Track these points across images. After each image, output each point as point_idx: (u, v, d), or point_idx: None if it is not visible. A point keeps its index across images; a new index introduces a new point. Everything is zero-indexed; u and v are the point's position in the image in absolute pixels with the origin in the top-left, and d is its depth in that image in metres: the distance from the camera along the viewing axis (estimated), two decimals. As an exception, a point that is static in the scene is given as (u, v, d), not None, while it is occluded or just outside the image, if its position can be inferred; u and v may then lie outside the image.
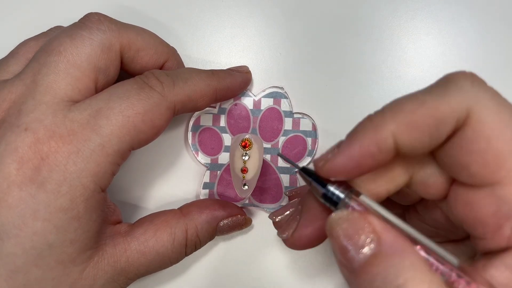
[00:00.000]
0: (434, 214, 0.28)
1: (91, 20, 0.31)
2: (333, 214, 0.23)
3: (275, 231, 0.37)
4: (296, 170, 0.27)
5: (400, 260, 0.20)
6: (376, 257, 0.21)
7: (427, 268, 0.20)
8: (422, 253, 0.22)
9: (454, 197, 0.25)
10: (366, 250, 0.21)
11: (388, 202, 0.29)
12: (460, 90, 0.22)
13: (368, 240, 0.21)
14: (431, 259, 0.21)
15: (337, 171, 0.24)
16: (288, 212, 0.29)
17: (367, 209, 0.23)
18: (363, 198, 0.24)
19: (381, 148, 0.22)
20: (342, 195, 0.24)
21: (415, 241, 0.22)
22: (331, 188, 0.24)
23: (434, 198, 0.26)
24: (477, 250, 0.24)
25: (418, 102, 0.22)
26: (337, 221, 0.22)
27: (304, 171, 0.25)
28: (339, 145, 0.24)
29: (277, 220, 0.30)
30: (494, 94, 0.22)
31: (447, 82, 0.23)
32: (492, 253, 0.23)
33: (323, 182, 0.24)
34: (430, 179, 0.25)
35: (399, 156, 0.23)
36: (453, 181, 0.25)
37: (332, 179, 0.24)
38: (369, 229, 0.21)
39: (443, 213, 0.27)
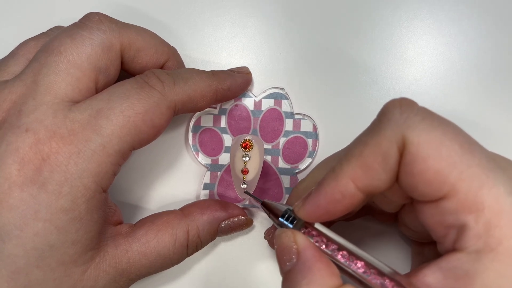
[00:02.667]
0: (412, 222, 0.31)
1: (91, 20, 0.30)
2: (276, 232, 0.28)
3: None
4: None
5: (300, 278, 0.24)
6: (290, 272, 0.25)
7: (329, 285, 0.24)
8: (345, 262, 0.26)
9: (411, 209, 0.27)
10: (288, 264, 0.26)
11: (376, 211, 0.34)
12: (391, 121, 0.24)
13: (292, 255, 0.26)
14: (349, 269, 0.26)
15: (309, 216, 0.27)
16: None
17: (309, 232, 0.27)
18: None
19: (345, 194, 0.25)
20: (290, 226, 0.28)
21: (350, 253, 0.26)
22: (282, 220, 0.28)
23: (388, 210, 0.30)
24: (439, 250, 0.26)
25: (362, 145, 0.25)
26: (276, 238, 0.27)
27: (264, 205, 0.30)
28: (309, 194, 0.27)
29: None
30: (424, 116, 0.24)
31: (381, 117, 0.25)
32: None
33: (277, 214, 0.29)
34: (388, 195, 0.28)
35: (369, 196, 0.26)
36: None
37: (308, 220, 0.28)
38: (294, 247, 0.26)
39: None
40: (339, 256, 0.26)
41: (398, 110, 0.24)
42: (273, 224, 0.34)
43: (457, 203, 0.23)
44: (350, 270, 0.25)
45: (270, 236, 0.34)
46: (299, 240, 0.26)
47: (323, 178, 0.26)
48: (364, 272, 0.25)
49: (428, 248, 0.33)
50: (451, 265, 0.23)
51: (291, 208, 0.28)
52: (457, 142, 0.23)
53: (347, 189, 0.25)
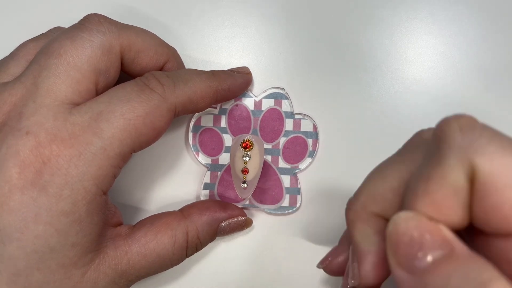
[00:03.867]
0: None
1: (91, 22, 0.30)
2: (400, 213, 0.21)
3: (275, 231, 0.38)
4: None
5: (482, 263, 0.19)
6: (449, 258, 0.20)
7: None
8: None
9: (476, 240, 0.23)
10: (435, 252, 0.20)
11: None
12: (453, 147, 0.21)
13: (438, 243, 0.20)
14: None
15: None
16: (340, 259, 0.29)
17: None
18: None
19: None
20: None
21: None
22: None
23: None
24: None
25: (425, 180, 0.21)
26: (405, 220, 0.21)
27: None
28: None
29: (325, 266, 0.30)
30: (491, 136, 0.20)
31: (439, 143, 0.21)
32: None
33: None
34: None
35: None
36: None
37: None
38: (439, 234, 0.20)
39: None
40: None
41: (459, 132, 0.21)
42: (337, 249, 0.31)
43: None
44: None
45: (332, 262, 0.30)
46: (444, 229, 0.21)
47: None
48: None
49: None
50: None
51: None
52: None
53: None
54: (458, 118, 0.21)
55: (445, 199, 0.20)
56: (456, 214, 0.21)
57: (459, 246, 0.20)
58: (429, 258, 0.20)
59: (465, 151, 0.20)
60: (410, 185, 0.22)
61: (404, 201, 0.22)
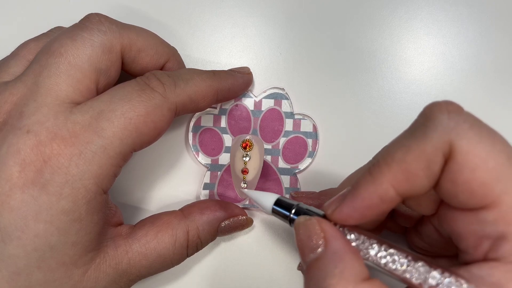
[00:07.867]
0: (428, 230, 0.30)
1: (91, 21, 0.30)
2: (296, 219, 0.27)
3: (276, 231, 0.38)
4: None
5: (332, 267, 0.23)
6: (318, 260, 0.24)
7: (359, 278, 0.23)
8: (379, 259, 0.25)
9: (442, 215, 0.26)
10: (313, 254, 0.24)
11: (392, 223, 0.32)
12: (438, 126, 0.23)
13: (319, 243, 0.25)
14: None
15: (344, 220, 0.26)
16: None
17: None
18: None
19: (384, 199, 0.24)
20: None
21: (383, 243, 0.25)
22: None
23: (425, 213, 0.28)
24: (460, 261, 0.25)
25: (405, 149, 0.23)
26: (297, 225, 0.26)
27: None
28: (344, 197, 0.26)
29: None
30: (473, 123, 0.23)
31: (425, 120, 0.24)
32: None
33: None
34: (422, 198, 0.27)
35: (405, 199, 0.25)
36: (442, 200, 0.26)
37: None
38: (320, 235, 0.25)
39: (436, 230, 0.29)
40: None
41: (446, 114, 0.23)
42: (298, 194, 0.35)
43: (498, 214, 0.22)
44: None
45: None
46: (326, 227, 0.25)
47: (359, 181, 0.25)
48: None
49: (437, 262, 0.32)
50: (483, 273, 0.23)
51: (297, 203, 0.28)
52: (505, 154, 0.23)
53: (387, 194, 0.24)
54: (447, 103, 0.24)
55: (418, 170, 0.23)
56: (422, 184, 0.23)
57: (333, 243, 0.24)
58: (310, 258, 0.24)
59: (448, 132, 0.23)
60: (388, 150, 0.25)
61: (378, 163, 0.24)
